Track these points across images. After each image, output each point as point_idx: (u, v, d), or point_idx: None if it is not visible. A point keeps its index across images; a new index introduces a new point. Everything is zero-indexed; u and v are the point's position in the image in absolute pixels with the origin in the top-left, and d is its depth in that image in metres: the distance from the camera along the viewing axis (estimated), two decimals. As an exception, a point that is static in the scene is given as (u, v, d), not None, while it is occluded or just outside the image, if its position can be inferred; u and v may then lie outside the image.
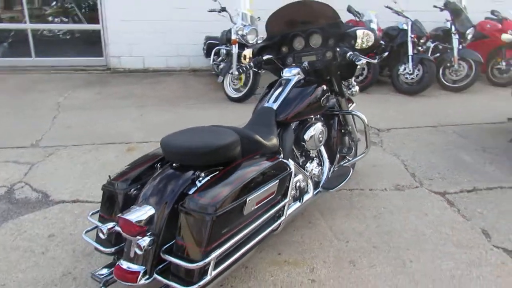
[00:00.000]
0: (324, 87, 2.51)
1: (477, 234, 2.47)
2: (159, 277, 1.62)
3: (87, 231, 1.95)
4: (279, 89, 2.45)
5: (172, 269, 1.63)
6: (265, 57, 2.67)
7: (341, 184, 2.54)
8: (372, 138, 3.97)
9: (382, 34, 6.04)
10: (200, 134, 1.93)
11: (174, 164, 1.84)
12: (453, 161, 3.54)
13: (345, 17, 6.16)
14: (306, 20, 2.60)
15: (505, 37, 5.93)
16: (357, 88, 2.85)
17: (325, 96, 2.49)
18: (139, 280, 1.63)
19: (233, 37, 5.21)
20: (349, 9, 5.75)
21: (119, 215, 1.64)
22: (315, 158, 2.56)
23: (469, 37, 5.87)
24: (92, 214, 1.98)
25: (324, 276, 2.09)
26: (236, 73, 5.27)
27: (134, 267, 1.66)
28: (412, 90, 5.76)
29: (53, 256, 2.22)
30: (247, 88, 5.22)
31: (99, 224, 1.82)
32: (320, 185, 2.52)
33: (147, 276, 1.65)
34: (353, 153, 2.95)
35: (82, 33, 7.88)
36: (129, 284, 1.65)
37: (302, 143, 2.43)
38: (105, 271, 1.87)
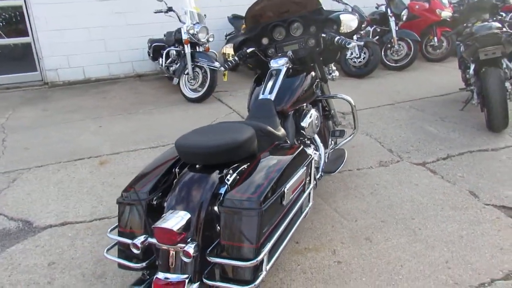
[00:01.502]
0: (313, 73, 2.55)
1: (466, 196, 2.66)
2: (210, 282, 1.56)
3: (108, 249, 1.82)
4: (272, 80, 2.45)
5: (221, 272, 1.57)
6: (249, 50, 2.65)
7: (341, 166, 2.61)
8: (341, 121, 4.11)
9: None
10: (215, 132, 1.87)
11: (197, 166, 1.76)
12: (420, 133, 3.77)
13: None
14: (285, 10, 2.62)
15: (444, 14, 6.41)
16: (337, 73, 2.93)
17: (316, 83, 2.54)
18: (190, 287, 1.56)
19: (185, 36, 5.10)
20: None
21: (154, 225, 1.54)
22: (311, 145, 2.59)
23: (404, 18, 6.27)
24: (111, 230, 1.84)
25: (347, 256, 2.14)
26: (191, 73, 5.16)
27: (178, 276, 1.58)
28: (361, 73, 6.04)
29: (63, 285, 2.04)
30: (206, 87, 5.14)
31: (126, 240, 1.70)
32: (320, 170, 2.57)
33: (193, 284, 1.57)
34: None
35: (10, 48, 7.23)
36: (175, 295, 1.57)
37: (301, 131, 2.45)
38: (135, 288, 1.75)
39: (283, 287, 1.95)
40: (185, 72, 5.22)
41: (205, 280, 1.58)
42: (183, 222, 1.56)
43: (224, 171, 1.73)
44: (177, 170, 1.86)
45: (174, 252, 1.59)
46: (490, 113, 3.55)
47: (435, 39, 6.68)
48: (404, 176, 2.98)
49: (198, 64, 5.14)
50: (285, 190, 1.67)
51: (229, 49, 2.75)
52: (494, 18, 4.28)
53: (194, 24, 5.13)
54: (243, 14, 6.88)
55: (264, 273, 1.53)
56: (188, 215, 1.59)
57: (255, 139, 1.84)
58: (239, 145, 1.73)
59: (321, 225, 2.42)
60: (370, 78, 6.04)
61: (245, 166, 1.81)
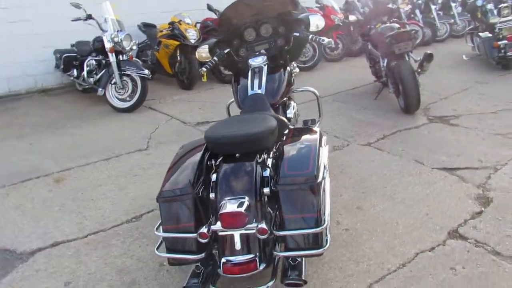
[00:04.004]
0: (289, 68, 2.81)
1: (414, 164, 3.21)
2: (283, 254, 1.70)
3: (158, 247, 1.82)
4: (257, 77, 2.63)
5: (289, 244, 1.72)
6: (226, 51, 2.79)
7: None
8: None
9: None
10: (243, 123, 2.00)
11: (237, 155, 1.87)
12: (353, 121, 4.32)
13: (207, 14, 6.48)
14: (256, 13, 2.83)
15: (337, 19, 7.22)
16: (297, 69, 3.24)
17: (293, 77, 2.80)
18: (260, 266, 1.68)
19: (109, 45, 4.91)
20: (209, 8, 6.04)
21: (221, 212, 1.63)
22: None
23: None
24: (157, 228, 1.84)
25: (350, 224, 2.46)
26: (119, 82, 4.99)
27: (247, 256, 1.69)
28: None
29: (95, 299, 1.94)
30: (137, 96, 5.01)
31: (184, 234, 1.74)
32: None
33: (262, 262, 1.69)
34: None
35: None
36: (248, 274, 1.67)
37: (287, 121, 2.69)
38: (195, 280, 1.80)
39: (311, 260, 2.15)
40: (112, 82, 5.02)
41: (276, 253, 1.72)
42: (246, 204, 1.68)
43: (263, 157, 1.89)
44: (212, 162, 1.94)
45: (239, 235, 1.70)
46: (406, 98, 4.24)
47: (332, 41, 7.49)
48: (359, 155, 3.43)
49: (126, 72, 4.99)
50: (324, 164, 1.90)
51: (203, 53, 2.82)
52: (391, 20, 5.08)
53: (118, 32, 4.97)
54: (153, 22, 6.87)
55: (329, 237, 1.73)
56: (247, 199, 1.72)
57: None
58: (271, 132, 1.90)
59: (315, 204, 2.69)
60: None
61: (273, 150, 1.99)
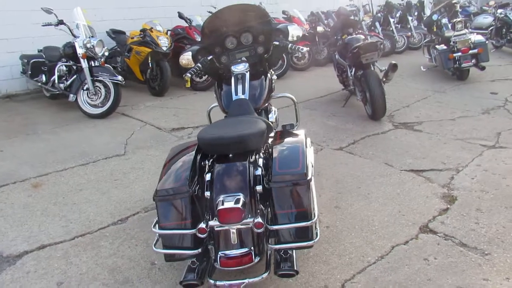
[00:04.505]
0: (269, 75, 2.96)
1: (385, 166, 3.43)
2: (276, 246, 1.82)
3: (155, 244, 1.89)
4: (240, 83, 2.76)
5: (282, 238, 1.84)
6: (209, 58, 2.90)
7: None
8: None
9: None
10: (234, 125, 2.10)
11: (230, 155, 1.98)
12: (325, 127, 4.52)
13: (176, 22, 6.54)
14: (238, 22, 2.96)
15: (319, 28, 7.48)
16: (275, 76, 3.39)
17: (273, 83, 2.95)
18: (255, 259, 1.79)
19: (81, 50, 4.88)
20: (181, 16, 6.11)
21: (218, 208, 1.74)
22: (271, 139, 2.99)
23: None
24: (154, 226, 1.91)
25: (330, 221, 2.62)
26: (92, 88, 4.96)
27: (243, 250, 1.80)
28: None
29: (90, 298, 1.97)
30: (111, 102, 5.00)
31: (182, 231, 1.82)
32: None
33: (257, 255, 1.81)
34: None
35: None
36: (244, 267, 1.78)
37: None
38: (191, 275, 1.88)
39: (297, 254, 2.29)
40: (85, 88, 4.97)
41: (270, 246, 1.84)
42: (241, 201, 1.79)
43: (253, 157, 2.01)
44: (206, 162, 2.04)
45: (235, 230, 1.81)
46: (374, 106, 4.51)
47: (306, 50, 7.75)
48: (333, 159, 3.62)
49: (99, 78, 4.97)
50: (312, 163, 2.05)
51: (185, 60, 2.92)
52: (356, 32, 5.37)
53: (90, 38, 4.94)
54: (121, 29, 6.85)
55: (319, 229, 1.87)
56: (242, 196, 1.83)
57: None
58: (263, 133, 2.04)
59: (296, 204, 2.84)
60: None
61: (262, 151, 2.11)
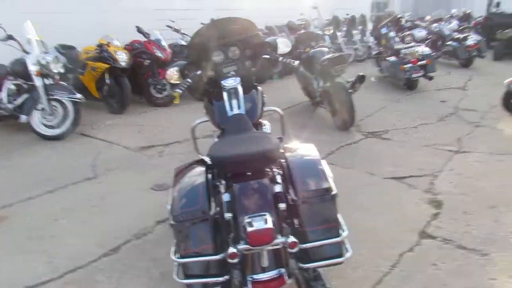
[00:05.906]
0: (260, 89, 2.91)
1: (367, 175, 3.51)
2: (308, 265, 1.75)
3: (177, 274, 1.74)
4: (234, 98, 2.68)
5: (312, 255, 1.78)
6: (198, 72, 2.79)
7: None
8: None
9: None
10: (246, 141, 2.02)
11: (248, 173, 1.89)
12: (300, 139, 4.52)
13: (136, 36, 6.25)
14: (225, 36, 2.89)
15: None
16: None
17: (264, 97, 2.90)
18: (288, 279, 1.71)
19: (35, 68, 4.50)
20: (139, 30, 5.88)
21: (248, 230, 1.64)
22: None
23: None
24: (174, 254, 1.76)
25: (333, 234, 2.59)
26: (47, 108, 4.58)
27: (276, 271, 1.71)
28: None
29: None
30: (69, 121, 4.64)
31: (207, 257, 1.70)
32: None
33: (289, 276, 1.74)
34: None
35: None
36: (277, 289, 1.70)
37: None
38: (221, 303, 1.75)
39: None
40: (40, 108, 4.58)
41: (301, 265, 1.76)
42: (270, 221, 1.71)
43: (271, 173, 1.94)
44: (222, 182, 1.93)
45: (266, 252, 1.72)
46: (343, 116, 4.61)
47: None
48: (316, 170, 3.62)
49: (55, 97, 4.61)
50: (332, 176, 2.01)
51: (173, 76, 2.79)
52: (319, 45, 5.50)
53: (43, 54, 4.59)
54: (70, 44, 6.44)
55: (349, 245, 1.83)
56: (268, 215, 1.75)
57: None
58: (279, 148, 1.98)
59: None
60: (189, 104, 5.74)
61: (276, 168, 2.05)
